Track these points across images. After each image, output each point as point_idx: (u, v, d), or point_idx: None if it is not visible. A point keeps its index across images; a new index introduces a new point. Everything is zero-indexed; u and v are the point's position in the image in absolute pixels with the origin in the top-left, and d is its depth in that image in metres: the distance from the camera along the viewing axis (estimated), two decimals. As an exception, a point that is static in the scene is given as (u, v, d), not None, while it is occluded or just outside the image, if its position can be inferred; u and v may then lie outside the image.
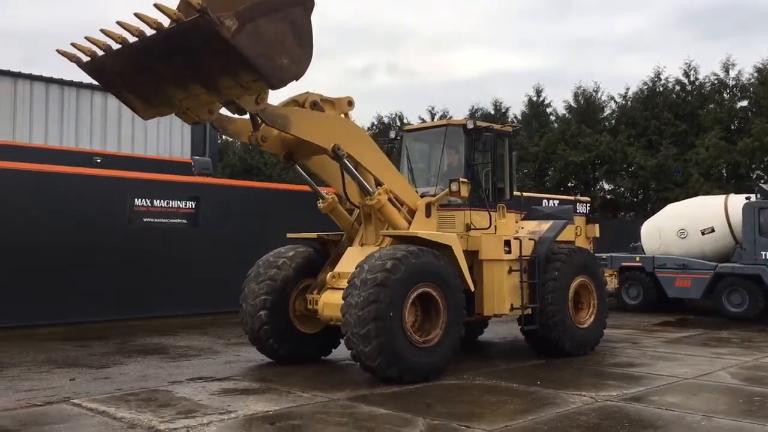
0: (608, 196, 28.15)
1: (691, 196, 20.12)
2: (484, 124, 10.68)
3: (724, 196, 17.72)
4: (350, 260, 9.36)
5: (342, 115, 9.43)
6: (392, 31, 77.85)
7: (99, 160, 20.80)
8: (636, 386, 8.45)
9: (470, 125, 10.25)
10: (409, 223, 9.60)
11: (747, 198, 16.69)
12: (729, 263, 16.66)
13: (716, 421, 6.83)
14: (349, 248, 9.89)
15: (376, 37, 78.68)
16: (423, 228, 9.63)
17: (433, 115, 32.90)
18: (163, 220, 14.94)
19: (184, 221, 15.23)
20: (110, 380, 8.66)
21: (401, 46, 77.73)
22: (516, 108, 36.21)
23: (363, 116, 69.28)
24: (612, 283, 15.67)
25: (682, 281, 17.34)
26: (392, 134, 11.24)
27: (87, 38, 7.61)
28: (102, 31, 7.38)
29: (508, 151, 10.95)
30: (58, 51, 7.73)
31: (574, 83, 41.39)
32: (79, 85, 23.95)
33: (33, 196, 13.02)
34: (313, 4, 7.43)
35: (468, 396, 7.93)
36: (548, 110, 31.05)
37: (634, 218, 22.91)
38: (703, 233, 17.28)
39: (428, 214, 9.84)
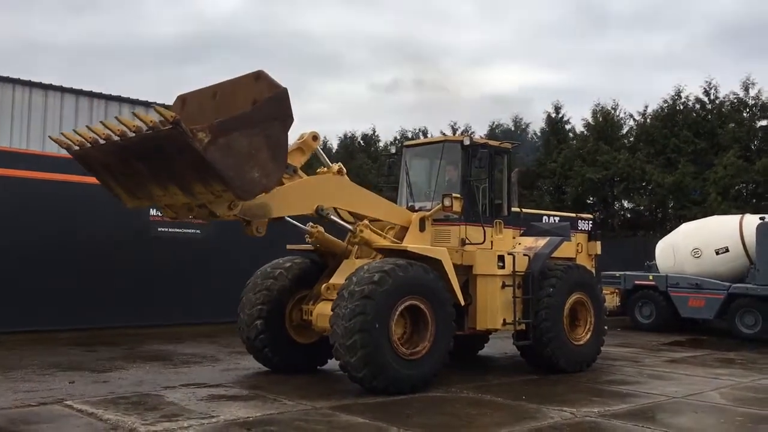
0: (627, 215, 27.97)
1: (709, 215, 19.92)
2: (481, 141, 10.85)
3: (740, 216, 17.57)
4: (345, 272, 9.54)
5: (327, 172, 9.71)
6: (424, 47, 78.23)
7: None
8: (620, 404, 8.49)
9: (467, 141, 10.41)
10: (400, 241, 9.80)
11: (761, 218, 16.51)
12: (743, 284, 16.49)
13: (689, 439, 6.86)
14: (344, 260, 10.09)
15: (407, 52, 79.12)
16: (416, 242, 9.80)
17: (454, 131, 33.13)
18: (178, 230, 15.32)
19: (198, 231, 15.59)
20: (108, 384, 8.96)
21: (433, 62, 78.06)
22: (536, 125, 36.25)
23: (389, 130, 69.66)
24: (613, 301, 15.61)
25: (695, 301, 17.19)
26: (393, 149, 11.45)
27: (75, 131, 8.23)
28: (88, 127, 8.01)
29: (507, 168, 11.08)
30: (51, 138, 8.48)
31: (593, 101, 41.15)
32: (108, 98, 24.65)
33: (51, 205, 13.48)
34: (291, 121, 7.77)
35: (450, 408, 8.06)
36: (567, 127, 31.04)
37: (651, 236, 22.72)
38: (717, 253, 17.14)
39: (422, 229, 10.02)
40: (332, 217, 9.50)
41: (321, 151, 9.76)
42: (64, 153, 24.45)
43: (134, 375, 9.67)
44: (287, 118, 7.69)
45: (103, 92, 24.47)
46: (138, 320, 14.21)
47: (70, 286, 13.42)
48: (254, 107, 7.43)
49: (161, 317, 14.60)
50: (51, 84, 23.60)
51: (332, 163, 9.99)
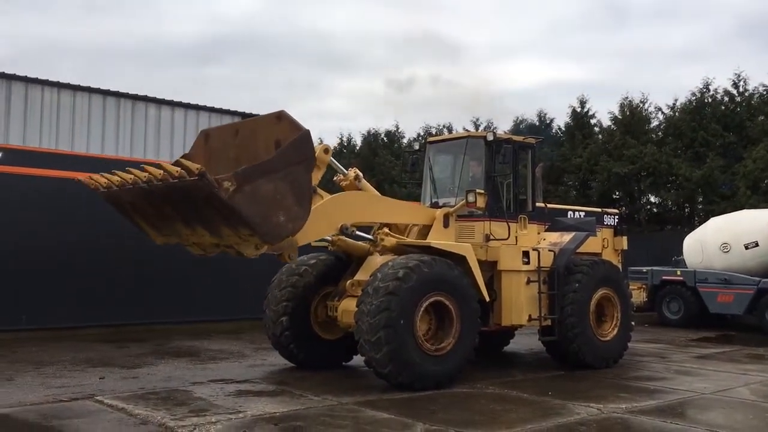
0: (654, 210, 27.66)
1: (738, 210, 19.64)
2: (505, 136, 10.83)
3: (769, 209, 17.31)
4: (369, 269, 9.59)
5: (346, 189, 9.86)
6: (446, 42, 77.94)
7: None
8: (648, 399, 8.43)
9: (490, 137, 10.39)
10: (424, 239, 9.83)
11: (792, 212, 16.26)
12: (773, 279, 16.25)
13: (718, 435, 6.79)
14: (369, 257, 10.13)
15: (428, 48, 78.92)
16: (440, 238, 9.81)
17: (477, 126, 33.01)
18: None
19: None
20: (137, 380, 9.10)
21: (455, 57, 77.77)
22: (560, 119, 35.94)
23: (410, 127, 69.66)
24: (640, 296, 15.46)
25: (724, 296, 16.98)
26: (416, 146, 11.48)
27: (103, 175, 8.46)
28: (114, 172, 8.20)
29: (531, 163, 11.04)
30: (78, 180, 8.77)
31: (621, 94, 40.70)
32: (135, 98, 24.94)
33: (77, 203, 13.67)
34: (314, 163, 7.91)
35: (475, 404, 8.06)
36: (592, 121, 30.77)
37: (679, 231, 22.45)
38: (746, 248, 16.89)
39: (446, 225, 10.02)
40: (357, 232, 9.56)
41: (334, 161, 9.76)
42: (93, 152, 24.71)
43: (163, 371, 9.80)
44: (310, 161, 7.81)
45: (129, 92, 24.75)
46: (165, 317, 14.37)
47: (99, 283, 13.61)
48: (278, 153, 7.49)
49: (189, 314, 14.75)
50: (79, 85, 23.94)
51: (348, 169, 10.09)
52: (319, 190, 9.32)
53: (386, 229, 9.93)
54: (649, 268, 18.55)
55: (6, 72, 22.29)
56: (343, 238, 9.86)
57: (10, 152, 17.50)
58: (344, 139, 41.41)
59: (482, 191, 9.90)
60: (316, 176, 9.39)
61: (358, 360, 10.31)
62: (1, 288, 12.38)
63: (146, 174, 7.57)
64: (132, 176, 7.82)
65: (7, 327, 12.36)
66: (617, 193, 27.40)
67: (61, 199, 13.43)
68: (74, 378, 9.10)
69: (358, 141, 41.09)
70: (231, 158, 8.57)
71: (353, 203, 9.63)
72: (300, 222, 7.78)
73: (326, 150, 9.40)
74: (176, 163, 7.31)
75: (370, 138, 38.70)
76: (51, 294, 12.99)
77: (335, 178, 10.18)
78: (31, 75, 22.83)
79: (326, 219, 9.05)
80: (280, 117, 8.07)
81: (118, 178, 8.11)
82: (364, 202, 9.82)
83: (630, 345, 11.53)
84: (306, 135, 7.70)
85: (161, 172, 7.37)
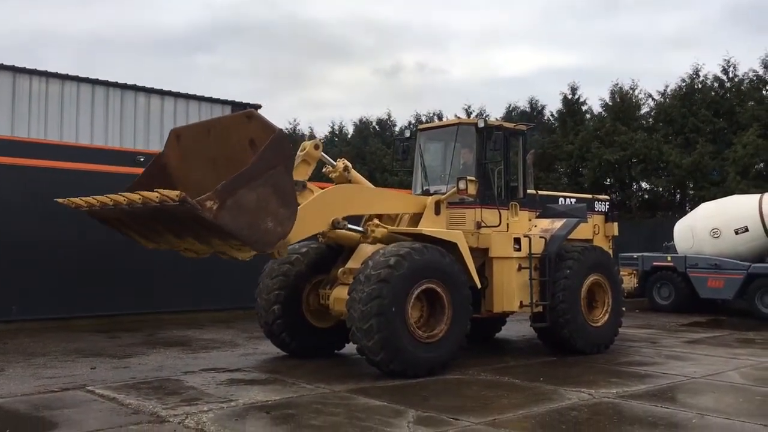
0: (646, 196, 27.72)
1: (728, 195, 19.70)
2: (496, 123, 10.81)
3: (759, 195, 17.34)
4: (361, 256, 9.59)
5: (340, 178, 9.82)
6: (434, 30, 77.80)
7: (142, 159, 21.53)
8: (639, 384, 8.47)
9: (481, 124, 10.37)
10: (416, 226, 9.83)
11: (781, 197, 16.31)
12: (763, 263, 16.36)
13: (708, 419, 6.83)
14: (361, 244, 10.11)
15: (416, 36, 78.75)
16: (432, 226, 9.81)
17: (469, 114, 32.96)
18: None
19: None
20: (128, 369, 9.08)
21: (444, 45, 77.63)
22: (553, 106, 35.91)
23: (403, 116, 69.54)
24: (630, 282, 15.51)
25: (714, 281, 17.06)
26: (407, 133, 11.45)
27: (82, 198, 8.39)
28: (94, 198, 8.12)
29: (522, 150, 11.03)
30: (58, 200, 8.70)
31: (611, 81, 40.76)
32: (124, 87, 24.76)
33: (73, 194, 13.54)
34: (293, 163, 7.81)
35: (467, 390, 8.08)
36: (584, 108, 30.76)
37: (670, 218, 22.52)
38: (736, 233, 16.94)
39: (437, 212, 10.02)
40: (349, 226, 9.52)
41: (324, 155, 9.72)
42: (83, 142, 24.50)
43: (155, 360, 9.78)
44: (288, 160, 7.72)
45: (118, 81, 24.58)
46: (156, 307, 14.32)
47: (91, 273, 13.54)
48: (255, 160, 7.34)
49: (181, 304, 14.71)
50: (67, 74, 23.74)
51: (336, 160, 10.06)
52: (310, 185, 9.28)
53: (376, 220, 9.90)
54: (640, 254, 18.61)
55: (-7, 62, 22.08)
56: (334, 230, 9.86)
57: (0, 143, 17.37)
58: (336, 127, 41.33)
59: (473, 178, 9.90)
60: (307, 171, 9.36)
61: (350, 348, 10.31)
62: (-10, 279, 12.31)
63: (126, 200, 7.53)
64: (113, 201, 7.77)
65: (-3, 318, 12.30)
66: (609, 179, 27.42)
67: (52, 189, 13.31)
68: (65, 368, 9.07)
69: (350, 130, 41.02)
70: (207, 156, 8.52)
71: (344, 197, 9.57)
72: (288, 223, 7.74)
73: (316, 146, 9.35)
74: (156, 191, 7.21)
75: (362, 126, 38.61)
76: (42, 285, 12.93)
77: (324, 170, 10.13)
78: (19, 65, 22.63)
79: (318, 215, 9.02)
80: (251, 116, 8.00)
81: (102, 201, 8.04)
82: (354, 195, 9.78)
83: (621, 330, 11.58)
84: (280, 136, 7.58)
85: (140, 197, 7.29)
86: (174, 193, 6.84)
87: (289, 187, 7.71)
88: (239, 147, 7.96)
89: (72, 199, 8.59)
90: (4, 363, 9.33)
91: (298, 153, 9.30)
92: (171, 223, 7.68)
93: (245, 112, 8.26)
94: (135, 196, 7.37)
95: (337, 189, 9.70)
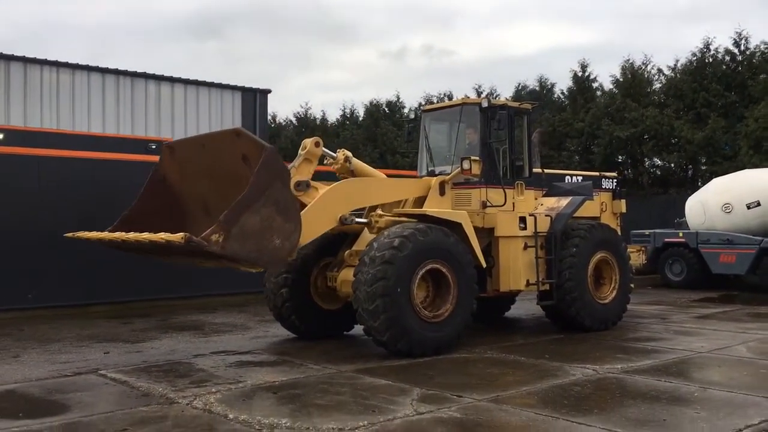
0: (658, 172, 27.51)
1: (740, 170, 19.56)
2: (500, 103, 10.80)
3: (771, 168, 17.23)
4: (367, 238, 9.65)
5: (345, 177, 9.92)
6: (444, 10, 77.22)
7: (154, 147, 21.70)
8: (644, 359, 8.51)
9: (485, 104, 10.36)
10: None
11: (794, 170, 16.19)
12: (775, 238, 16.25)
13: (710, 392, 6.87)
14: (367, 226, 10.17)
15: (427, 16, 78.20)
16: (437, 206, 9.86)
17: (479, 94, 32.80)
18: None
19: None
20: (141, 353, 9.24)
21: (454, 25, 77.06)
22: (562, 84, 35.60)
23: (412, 96, 69.32)
24: (639, 259, 15.50)
25: (726, 257, 17.01)
26: (412, 115, 11.48)
27: (89, 238, 8.81)
28: (105, 234, 8.53)
29: (527, 129, 11.02)
30: (66, 235, 9.22)
31: (623, 57, 40.18)
32: (134, 75, 24.91)
33: (87, 182, 13.75)
34: (289, 175, 7.89)
35: (472, 368, 8.17)
36: (594, 85, 30.48)
37: (682, 193, 22.36)
38: (748, 207, 16.88)
39: (442, 193, 10.06)
40: (356, 219, 9.53)
41: (325, 150, 9.73)
42: (95, 131, 24.75)
43: (166, 344, 9.94)
44: (284, 174, 7.80)
45: (128, 69, 24.72)
46: (169, 292, 14.49)
47: (106, 260, 13.68)
48: (251, 183, 7.39)
49: (194, 288, 14.87)
50: (77, 63, 23.93)
51: (335, 152, 10.09)
52: (314, 183, 9.33)
53: (379, 210, 9.91)
54: (652, 230, 18.56)
55: (4, 53, 22.28)
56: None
57: (11, 133, 17.58)
58: (347, 111, 41.26)
59: (477, 158, 9.92)
60: (310, 170, 9.43)
61: (359, 329, 10.44)
62: (8, 267, 12.50)
63: (135, 239, 7.70)
64: (122, 239, 7.98)
65: (14, 305, 12.52)
66: (620, 156, 27.22)
67: (66, 177, 13.49)
68: (79, 353, 9.24)
69: (360, 112, 40.95)
70: (204, 169, 8.70)
71: (349, 192, 9.52)
72: (295, 235, 7.85)
73: (317, 143, 9.39)
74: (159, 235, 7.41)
75: (372, 108, 38.54)
76: (58, 272, 13.12)
77: (325, 162, 10.15)
78: (29, 55, 22.82)
79: (325, 214, 9.05)
80: (239, 134, 8.08)
81: (108, 239, 8.29)
82: (359, 189, 9.74)
83: (631, 307, 11.61)
84: (271, 153, 7.60)
85: (149, 240, 7.44)
86: (179, 236, 6.95)
87: (289, 201, 7.83)
88: (234, 161, 8.08)
89: (82, 233, 8.93)
90: (19, 349, 9.53)
91: (300, 152, 9.39)
92: (181, 253, 7.94)
93: (233, 130, 8.35)
94: (144, 238, 7.54)
95: (340, 185, 9.68)
